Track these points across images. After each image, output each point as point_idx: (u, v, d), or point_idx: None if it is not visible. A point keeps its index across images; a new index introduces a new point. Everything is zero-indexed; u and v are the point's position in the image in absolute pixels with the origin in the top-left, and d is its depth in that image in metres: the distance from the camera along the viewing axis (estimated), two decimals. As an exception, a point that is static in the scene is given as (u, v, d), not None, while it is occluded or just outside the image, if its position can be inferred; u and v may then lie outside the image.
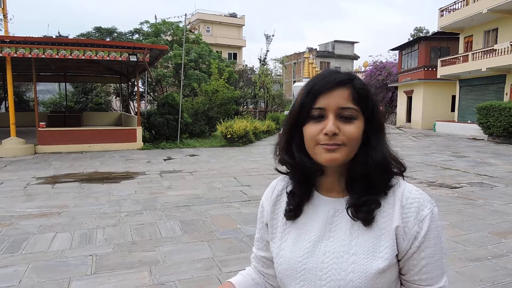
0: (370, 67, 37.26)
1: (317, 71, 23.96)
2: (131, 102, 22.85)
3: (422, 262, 0.85)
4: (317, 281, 0.87)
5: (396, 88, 31.59)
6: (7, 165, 9.72)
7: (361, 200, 0.87)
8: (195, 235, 4.50)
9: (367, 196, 0.87)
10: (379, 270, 0.83)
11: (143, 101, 21.30)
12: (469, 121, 20.88)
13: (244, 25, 44.77)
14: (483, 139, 17.25)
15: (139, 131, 13.52)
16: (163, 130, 14.25)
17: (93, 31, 24.65)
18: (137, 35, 25.72)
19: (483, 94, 21.26)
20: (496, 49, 18.85)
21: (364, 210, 0.86)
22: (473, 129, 18.00)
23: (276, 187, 1.04)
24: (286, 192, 0.99)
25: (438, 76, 23.74)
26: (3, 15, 12.91)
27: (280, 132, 0.99)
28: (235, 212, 5.51)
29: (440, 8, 23.85)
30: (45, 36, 22.24)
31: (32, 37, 11.21)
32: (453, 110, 24.72)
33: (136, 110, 21.83)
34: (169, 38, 25.09)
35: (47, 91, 29.53)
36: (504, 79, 19.72)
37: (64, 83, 21.44)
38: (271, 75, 26.46)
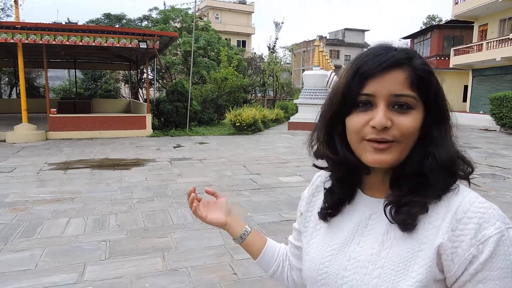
0: (381, 55, 36.74)
1: (327, 59, 23.72)
2: (140, 89, 22.90)
3: None
4: None
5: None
6: (19, 151, 9.85)
7: (404, 199, 0.71)
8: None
9: (412, 196, 0.70)
10: None
11: (152, 89, 21.33)
12: (481, 112, 20.58)
13: (253, 12, 44.29)
14: (495, 130, 17.01)
15: (149, 118, 13.57)
16: (172, 118, 14.28)
17: (102, 17, 24.64)
18: (146, 22, 25.66)
19: (497, 84, 20.88)
20: (511, 38, 18.44)
21: (404, 212, 0.70)
22: (485, 119, 17.73)
23: (318, 178, 0.93)
24: (324, 188, 0.87)
25: (451, 66, 23.36)
26: (14, 1, 12.93)
27: (317, 120, 0.84)
28: (246, 200, 5.54)
29: (454, -4, 23.31)
30: (54, 22, 22.28)
31: (43, 23, 11.24)
32: (465, 100, 24.36)
33: (144, 97, 21.91)
34: (178, 25, 24.98)
35: (56, 78, 29.72)
36: (519, 69, 19.35)
37: (73, 70, 21.54)
38: (280, 63, 26.25)
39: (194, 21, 16.10)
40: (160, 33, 13.07)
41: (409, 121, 0.69)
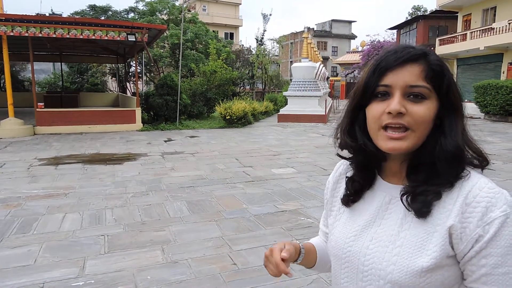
0: (368, 46, 36.92)
1: (315, 51, 23.75)
2: (127, 82, 22.64)
3: (482, 271, 0.73)
4: (360, 266, 0.84)
5: (393, 68, 31.44)
6: (7, 146, 9.71)
7: (419, 189, 0.77)
8: (202, 215, 4.58)
9: (426, 186, 0.77)
10: (422, 268, 0.74)
11: (140, 82, 21.10)
12: (466, 100, 20.88)
13: (240, 4, 43.95)
14: (479, 118, 17.38)
15: (138, 112, 13.47)
16: (162, 111, 14.19)
17: (88, 9, 24.19)
18: (132, 14, 25.29)
19: (481, 73, 21.29)
20: (494, 28, 18.77)
21: (420, 200, 0.77)
22: (470, 107, 18.09)
23: (340, 167, 1.01)
24: (346, 176, 0.94)
25: (436, 56, 23.63)
26: (-4, -7, 12.60)
27: (341, 114, 0.92)
28: (240, 192, 5.60)
29: (439, -14, 23.54)
30: (38, 14, 21.77)
31: (29, 15, 10.99)
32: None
33: (132, 91, 21.66)
34: (165, 17, 24.67)
35: (41, 71, 29.07)
36: (502, 58, 19.73)
37: (59, 63, 21.13)
38: (269, 55, 26.20)
39: (182, 12, 15.95)
40: (149, 25, 12.92)
41: (423, 110, 0.76)
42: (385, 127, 0.78)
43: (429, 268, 0.74)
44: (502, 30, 18.12)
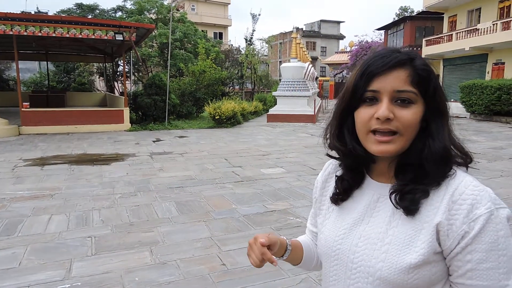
0: (356, 47, 37.26)
1: (304, 51, 23.84)
2: (115, 82, 22.38)
3: (467, 266, 0.75)
4: (349, 263, 0.85)
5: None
6: (-9, 147, 9.51)
7: (407, 187, 0.80)
8: (191, 216, 4.56)
9: (414, 185, 0.79)
10: (411, 264, 0.76)
11: (128, 82, 20.88)
12: (452, 100, 21.27)
13: (229, 3, 43.87)
14: (465, 117, 17.67)
15: (126, 112, 13.33)
16: (151, 111, 14.08)
17: (74, 7, 23.86)
18: (120, 13, 25.01)
19: (466, 73, 21.65)
20: (479, 29, 19.11)
21: (408, 199, 0.79)
22: (456, 107, 18.38)
23: (329, 166, 1.02)
24: (336, 175, 0.96)
25: (423, 56, 23.68)
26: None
27: (330, 114, 0.93)
28: (229, 192, 5.58)
29: (426, -12, 23.86)
30: (23, 11, 21.38)
31: (14, 13, 10.80)
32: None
33: (120, 91, 21.43)
34: (153, 16, 24.45)
35: (26, 70, 28.57)
36: (486, 58, 20.09)
37: (45, 62, 20.79)
38: (258, 55, 26.21)
39: (171, 12, 15.83)
40: (137, 24, 12.80)
41: (410, 114, 0.78)
42: (374, 131, 0.80)
43: (417, 264, 0.76)
44: (487, 31, 18.46)
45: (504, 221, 0.74)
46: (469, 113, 17.64)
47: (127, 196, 5.40)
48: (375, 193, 0.87)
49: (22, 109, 11.96)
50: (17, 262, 3.34)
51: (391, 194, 0.82)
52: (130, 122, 13.50)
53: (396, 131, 0.78)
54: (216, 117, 14.24)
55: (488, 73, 19.90)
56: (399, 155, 0.82)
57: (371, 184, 0.89)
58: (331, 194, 0.95)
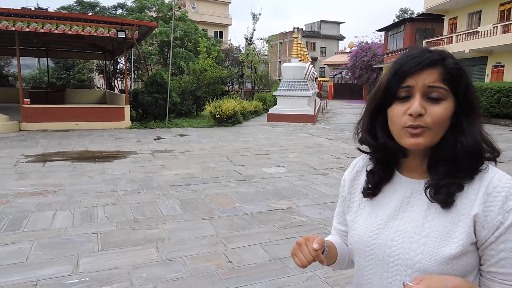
0: (356, 48, 37.35)
1: (305, 51, 23.84)
2: (115, 80, 22.37)
3: (501, 255, 0.79)
4: (385, 257, 0.88)
5: (381, 69, 31.89)
6: (-8, 143, 9.50)
7: (442, 181, 0.83)
8: (196, 214, 4.58)
9: (448, 179, 0.83)
10: (450, 255, 0.79)
11: (128, 80, 20.87)
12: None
13: (230, 2, 43.87)
14: (464, 121, 17.74)
15: (127, 109, 13.33)
16: (151, 109, 14.08)
17: (75, 4, 23.79)
18: (120, 10, 25.01)
19: (466, 75, 21.70)
20: (479, 31, 19.19)
21: (443, 192, 0.82)
22: (456, 110, 18.48)
23: (358, 163, 1.05)
24: (366, 170, 0.99)
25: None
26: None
27: (362, 111, 0.97)
28: (232, 191, 5.61)
29: (426, -10, 23.94)
30: (23, 8, 21.32)
31: (16, 9, 10.76)
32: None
33: (120, 88, 21.43)
34: (154, 14, 24.46)
35: (26, 66, 28.42)
36: (486, 61, 20.18)
37: (45, 58, 20.74)
38: (258, 55, 26.23)
39: (173, 10, 15.84)
40: (140, 22, 12.80)
41: (440, 110, 0.82)
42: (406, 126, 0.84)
43: (456, 255, 0.80)
44: (487, 34, 18.54)
45: None
46: (468, 116, 17.72)
47: (131, 193, 5.42)
48: (408, 189, 0.90)
49: (23, 105, 11.94)
50: (24, 257, 3.36)
51: (426, 188, 0.85)
52: (130, 120, 13.50)
53: (426, 126, 0.82)
54: (216, 116, 14.26)
55: (487, 75, 20.00)
56: (431, 151, 0.86)
57: (402, 180, 0.92)
58: (362, 189, 0.98)
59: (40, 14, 11.35)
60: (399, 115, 0.84)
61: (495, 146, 0.87)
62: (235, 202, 5.06)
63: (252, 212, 4.67)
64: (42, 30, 10.83)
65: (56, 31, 10.98)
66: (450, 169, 0.84)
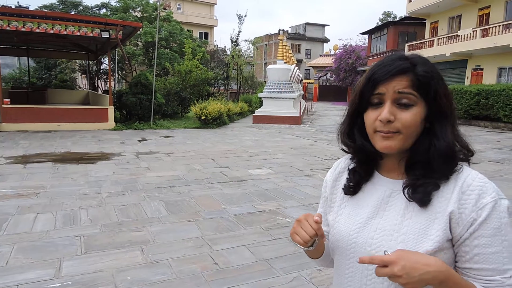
0: (340, 50, 37.76)
1: (290, 53, 23.97)
2: (98, 80, 22.01)
3: (475, 250, 0.83)
4: (366, 255, 0.86)
5: (365, 71, 31.90)
6: (-30, 145, 9.23)
7: (419, 181, 0.87)
8: (181, 215, 4.56)
9: (425, 179, 0.87)
10: (427, 251, 0.83)
11: (112, 80, 20.57)
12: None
13: (216, 4, 43.76)
14: (445, 123, 18.12)
15: (111, 110, 13.15)
16: (136, 110, 13.93)
17: (57, 3, 23.35)
18: (104, 10, 24.66)
19: (447, 78, 21.88)
20: (459, 35, 19.67)
21: (420, 191, 0.86)
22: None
23: (340, 164, 1.09)
24: (348, 169, 1.03)
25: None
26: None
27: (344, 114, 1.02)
28: (218, 193, 5.59)
29: (409, -6, 24.42)
30: (3, 6, 20.80)
31: (-5, 8, 10.48)
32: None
33: (104, 89, 21.11)
34: (138, 15, 24.20)
35: (5, 65, 27.63)
36: (466, 64, 20.70)
37: (25, 58, 20.25)
38: (244, 56, 26.25)
39: (158, 10, 15.70)
40: (124, 22, 12.64)
41: (409, 116, 0.85)
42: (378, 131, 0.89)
43: (433, 251, 0.83)
44: (467, 38, 19.02)
45: (506, 210, 0.84)
46: (449, 118, 18.11)
47: (115, 195, 5.35)
48: (387, 189, 0.94)
49: (3, 106, 11.65)
50: (4, 261, 3.28)
51: (404, 188, 0.89)
52: (114, 121, 13.32)
53: (396, 131, 0.86)
54: (202, 118, 14.20)
55: (467, 78, 20.51)
56: (408, 153, 0.90)
57: (381, 180, 0.96)
58: (344, 186, 1.02)
59: (21, 13, 11.10)
60: (372, 120, 0.89)
61: (470, 148, 0.91)
62: (221, 204, 5.05)
63: (237, 213, 4.67)
64: (23, 29, 10.60)
65: (37, 30, 10.76)
66: (426, 170, 0.88)
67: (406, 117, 0.85)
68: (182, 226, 4.21)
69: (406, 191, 0.89)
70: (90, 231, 3.99)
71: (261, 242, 3.81)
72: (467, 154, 0.91)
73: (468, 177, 0.87)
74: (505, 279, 0.82)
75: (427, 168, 0.87)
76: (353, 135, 0.97)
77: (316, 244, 0.99)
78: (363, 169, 0.99)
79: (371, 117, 0.89)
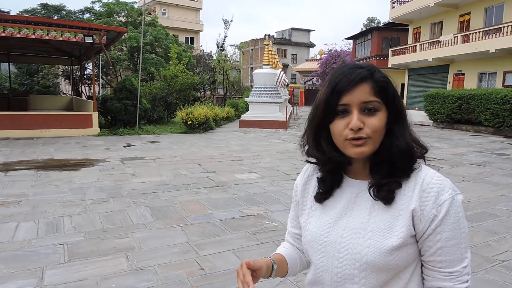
0: (325, 55, 38.15)
1: (276, 58, 24.11)
2: (82, 85, 21.73)
3: (438, 245, 0.90)
4: (335, 253, 0.95)
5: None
6: None
7: (383, 181, 0.92)
8: (167, 221, 4.52)
9: (388, 178, 0.92)
10: (393, 247, 0.88)
11: (96, 85, 20.33)
12: (416, 108, 22.23)
13: (201, 8, 43.76)
14: (429, 125, 18.48)
15: (95, 116, 12.98)
16: (121, 116, 13.78)
17: (39, 7, 23.02)
18: (88, 14, 24.40)
19: (429, 82, 22.69)
20: (441, 41, 20.11)
21: (385, 190, 0.92)
22: (420, 115, 19.20)
23: (309, 168, 1.12)
24: (317, 177, 1.06)
25: (389, 65, 24.88)
26: None
27: (304, 125, 1.04)
28: (204, 198, 5.57)
29: (392, 0, 24.86)
30: (-17, 11, 20.38)
31: (-26, 13, 10.26)
32: (402, 97, 26.08)
33: (87, 94, 20.82)
34: (123, 19, 24.02)
35: (-14, 72, 27.20)
36: (448, 69, 21.15)
37: (6, 63, 19.88)
38: (230, 61, 26.28)
39: (143, 15, 15.61)
40: (108, 27, 12.53)
41: (377, 121, 0.91)
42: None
43: (398, 246, 0.89)
44: (448, 43, 19.45)
45: (461, 204, 0.92)
46: (432, 121, 18.47)
47: (99, 202, 5.27)
48: (354, 190, 0.99)
49: (-17, 112, 11.38)
50: (-16, 271, 3.19)
51: (369, 188, 0.95)
52: (99, 127, 13.15)
53: (367, 136, 0.90)
54: (188, 122, 14.14)
55: (449, 83, 20.95)
56: (372, 155, 0.95)
57: (349, 182, 1.01)
58: (315, 194, 1.05)
59: (1, 18, 10.89)
60: (341, 129, 0.92)
61: (422, 144, 0.98)
62: (207, 209, 5.03)
63: (224, 218, 4.66)
64: (3, 34, 10.39)
65: (18, 35, 10.57)
66: (389, 170, 0.93)
67: (374, 122, 0.90)
68: (168, 232, 4.18)
69: (371, 190, 0.94)
70: (73, 239, 3.93)
71: (248, 246, 3.81)
72: (421, 151, 0.97)
73: (427, 175, 0.93)
74: (463, 269, 0.90)
75: (390, 168, 0.93)
76: (322, 146, 0.99)
77: (274, 273, 1.05)
78: (332, 176, 1.02)
79: (340, 126, 0.92)
